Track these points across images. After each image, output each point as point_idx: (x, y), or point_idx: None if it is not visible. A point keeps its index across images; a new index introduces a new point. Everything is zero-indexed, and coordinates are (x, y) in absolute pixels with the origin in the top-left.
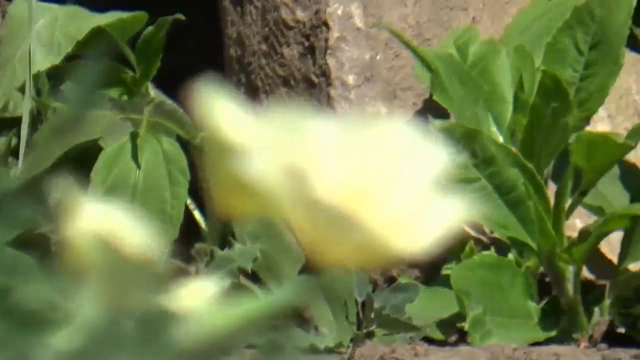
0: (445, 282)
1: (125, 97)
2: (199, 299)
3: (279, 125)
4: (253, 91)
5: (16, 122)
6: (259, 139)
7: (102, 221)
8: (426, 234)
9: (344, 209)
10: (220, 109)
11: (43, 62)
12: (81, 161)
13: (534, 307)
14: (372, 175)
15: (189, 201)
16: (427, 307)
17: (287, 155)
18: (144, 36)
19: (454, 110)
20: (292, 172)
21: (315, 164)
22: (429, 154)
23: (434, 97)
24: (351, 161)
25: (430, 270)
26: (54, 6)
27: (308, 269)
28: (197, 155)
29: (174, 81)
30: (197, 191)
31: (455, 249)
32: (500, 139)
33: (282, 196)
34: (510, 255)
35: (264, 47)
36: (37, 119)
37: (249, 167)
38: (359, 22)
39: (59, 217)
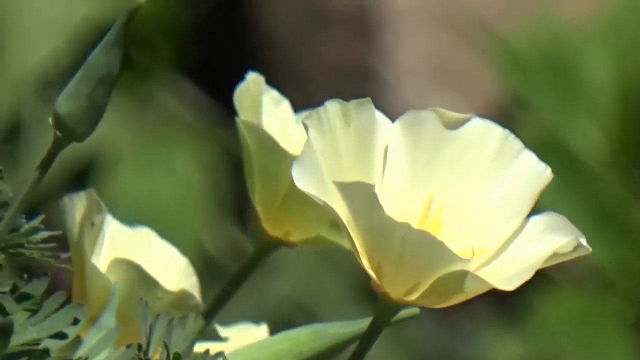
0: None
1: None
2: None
3: (338, 126)
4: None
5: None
6: (314, 146)
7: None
8: (519, 268)
9: (423, 231)
10: (269, 107)
11: (31, 55)
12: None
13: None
14: (452, 192)
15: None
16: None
17: (349, 165)
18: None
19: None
20: (355, 187)
21: (384, 176)
22: (523, 166)
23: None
24: (427, 172)
25: (503, 299)
26: None
27: (377, 304)
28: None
29: (201, 71)
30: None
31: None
32: (593, 139)
33: (342, 212)
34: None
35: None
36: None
37: (302, 176)
38: None
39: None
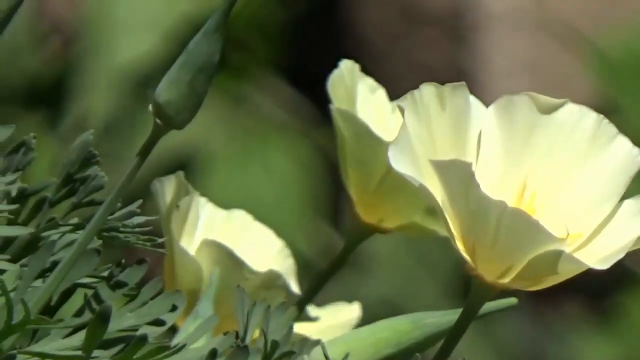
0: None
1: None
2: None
3: (433, 109)
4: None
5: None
6: (409, 129)
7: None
8: (610, 250)
9: (519, 209)
10: (364, 95)
11: (127, 52)
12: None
13: None
14: (547, 176)
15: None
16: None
17: (443, 148)
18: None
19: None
20: (452, 165)
21: (478, 160)
22: (617, 150)
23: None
24: (521, 156)
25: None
26: None
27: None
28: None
29: (295, 71)
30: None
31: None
32: None
33: (437, 193)
34: None
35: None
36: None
37: (398, 158)
38: None
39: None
